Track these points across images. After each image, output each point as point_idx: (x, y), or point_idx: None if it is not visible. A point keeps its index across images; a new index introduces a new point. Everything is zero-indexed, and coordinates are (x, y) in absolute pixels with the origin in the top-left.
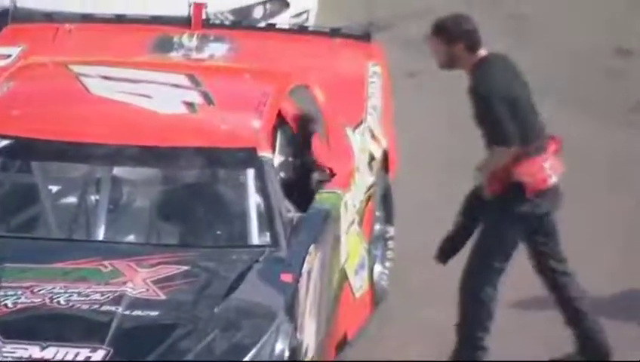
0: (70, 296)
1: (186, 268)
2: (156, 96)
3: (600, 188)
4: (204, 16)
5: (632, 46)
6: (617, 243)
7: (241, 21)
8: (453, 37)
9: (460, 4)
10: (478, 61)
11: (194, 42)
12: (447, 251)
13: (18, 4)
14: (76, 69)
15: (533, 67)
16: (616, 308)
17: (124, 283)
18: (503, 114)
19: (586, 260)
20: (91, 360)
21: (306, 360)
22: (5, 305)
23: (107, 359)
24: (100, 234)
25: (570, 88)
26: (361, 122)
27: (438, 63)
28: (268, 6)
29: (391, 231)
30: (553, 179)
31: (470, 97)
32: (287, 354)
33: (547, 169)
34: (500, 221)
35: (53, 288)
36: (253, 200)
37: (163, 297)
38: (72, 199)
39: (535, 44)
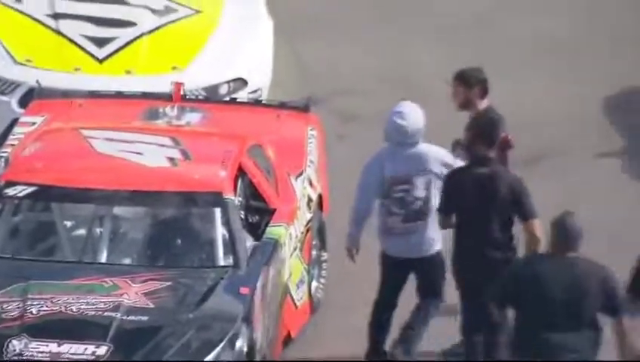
0: (80, 304)
1: (168, 283)
2: (146, 153)
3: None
4: (182, 93)
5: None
6: None
7: (211, 96)
8: (471, 82)
9: (381, 85)
10: (487, 107)
11: (175, 112)
12: None
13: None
14: (85, 132)
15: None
16: None
17: (122, 295)
18: None
19: None
20: (96, 353)
21: (259, 354)
22: (31, 312)
23: (108, 353)
24: (103, 257)
25: None
26: (302, 172)
27: (456, 104)
28: (231, 85)
29: (325, 255)
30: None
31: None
32: (245, 349)
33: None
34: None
35: (68, 299)
36: (220, 231)
37: (152, 306)
38: (81, 231)
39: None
